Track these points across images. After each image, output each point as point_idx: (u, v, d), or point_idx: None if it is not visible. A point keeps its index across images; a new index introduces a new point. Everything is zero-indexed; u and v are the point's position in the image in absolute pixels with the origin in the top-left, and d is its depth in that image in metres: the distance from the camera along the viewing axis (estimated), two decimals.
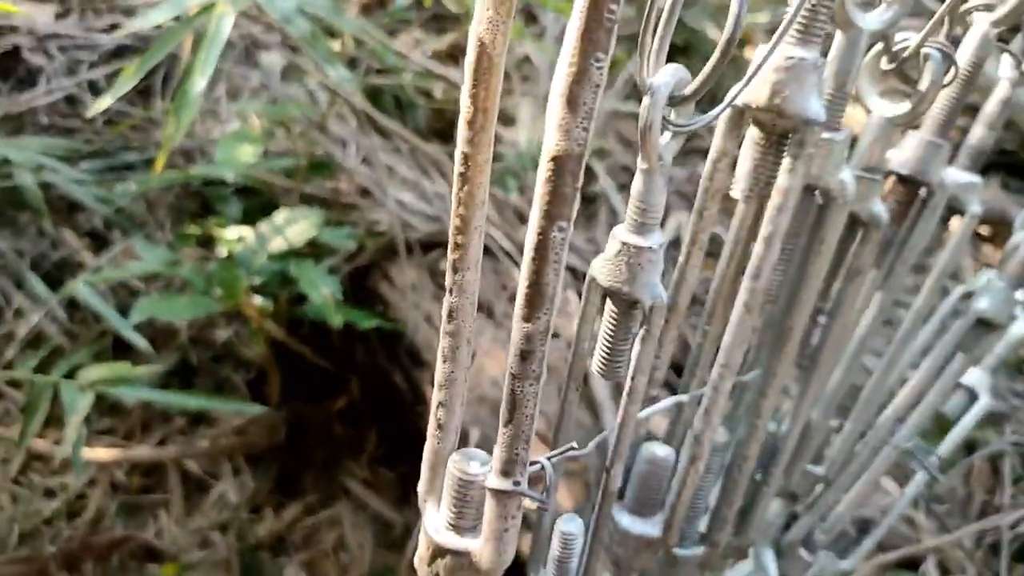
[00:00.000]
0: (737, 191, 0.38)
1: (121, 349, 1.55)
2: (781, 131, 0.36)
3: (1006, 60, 0.67)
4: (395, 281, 1.54)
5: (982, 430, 1.47)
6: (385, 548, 1.57)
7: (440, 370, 0.31)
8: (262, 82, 1.81)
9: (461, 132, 0.27)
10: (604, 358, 0.37)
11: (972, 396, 0.78)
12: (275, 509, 1.65)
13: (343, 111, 1.74)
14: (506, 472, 0.30)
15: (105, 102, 0.98)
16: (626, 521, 0.43)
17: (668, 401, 0.41)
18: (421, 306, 1.49)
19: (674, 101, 0.31)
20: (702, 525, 0.49)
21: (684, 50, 2.04)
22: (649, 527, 0.43)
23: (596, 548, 0.41)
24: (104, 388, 1.08)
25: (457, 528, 0.32)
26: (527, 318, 0.28)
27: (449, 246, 0.29)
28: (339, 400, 1.71)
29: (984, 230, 1.88)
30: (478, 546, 0.31)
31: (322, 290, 1.34)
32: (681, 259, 0.40)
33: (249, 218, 1.52)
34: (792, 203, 0.36)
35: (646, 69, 0.29)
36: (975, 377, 0.79)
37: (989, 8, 0.50)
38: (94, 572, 1.56)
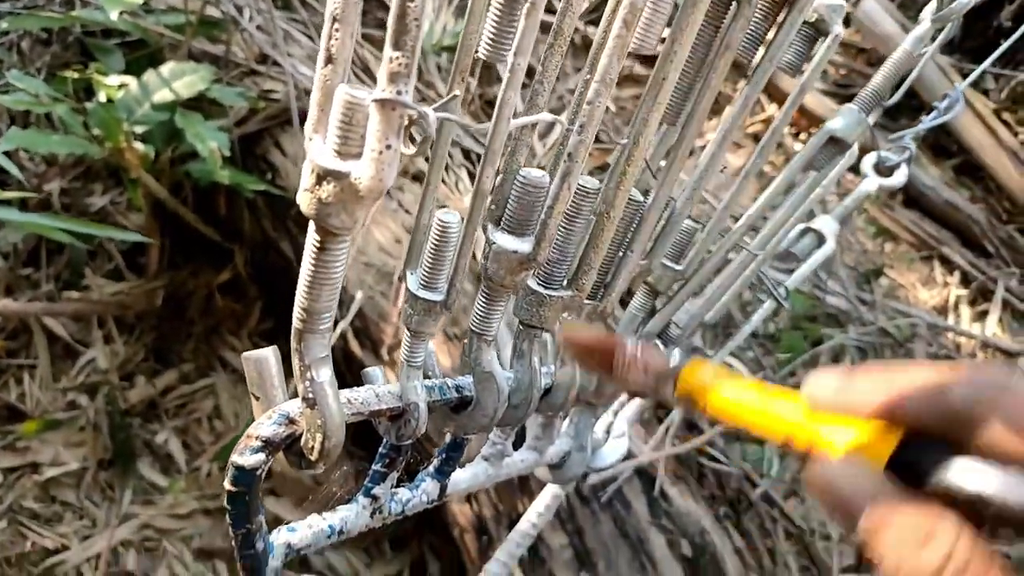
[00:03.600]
0: None
1: None
2: None
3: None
4: (286, 150, 1.51)
5: (828, 327, 1.61)
6: None
7: (334, 3, 0.33)
8: None
9: None
10: (491, 38, 0.39)
11: (820, 239, 0.87)
12: (148, 377, 1.61)
13: None
14: (392, 80, 0.32)
15: None
16: (500, 238, 0.46)
17: (545, 116, 0.44)
18: None
19: None
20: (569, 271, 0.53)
21: None
22: (521, 244, 0.46)
23: (467, 249, 0.45)
24: None
25: (341, 154, 0.34)
26: None
27: None
28: (223, 273, 1.68)
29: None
30: (359, 168, 0.34)
31: (209, 144, 1.30)
32: None
33: (133, 71, 1.45)
34: None
35: None
36: (824, 223, 0.87)
37: None
38: None
